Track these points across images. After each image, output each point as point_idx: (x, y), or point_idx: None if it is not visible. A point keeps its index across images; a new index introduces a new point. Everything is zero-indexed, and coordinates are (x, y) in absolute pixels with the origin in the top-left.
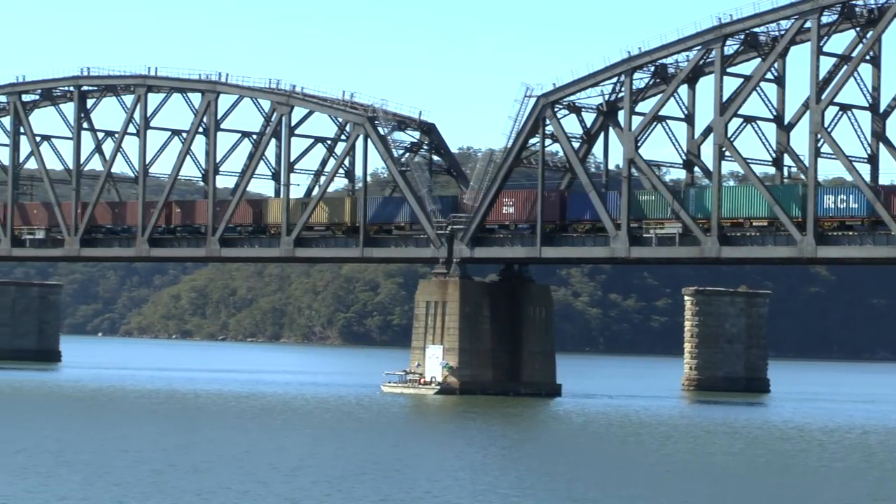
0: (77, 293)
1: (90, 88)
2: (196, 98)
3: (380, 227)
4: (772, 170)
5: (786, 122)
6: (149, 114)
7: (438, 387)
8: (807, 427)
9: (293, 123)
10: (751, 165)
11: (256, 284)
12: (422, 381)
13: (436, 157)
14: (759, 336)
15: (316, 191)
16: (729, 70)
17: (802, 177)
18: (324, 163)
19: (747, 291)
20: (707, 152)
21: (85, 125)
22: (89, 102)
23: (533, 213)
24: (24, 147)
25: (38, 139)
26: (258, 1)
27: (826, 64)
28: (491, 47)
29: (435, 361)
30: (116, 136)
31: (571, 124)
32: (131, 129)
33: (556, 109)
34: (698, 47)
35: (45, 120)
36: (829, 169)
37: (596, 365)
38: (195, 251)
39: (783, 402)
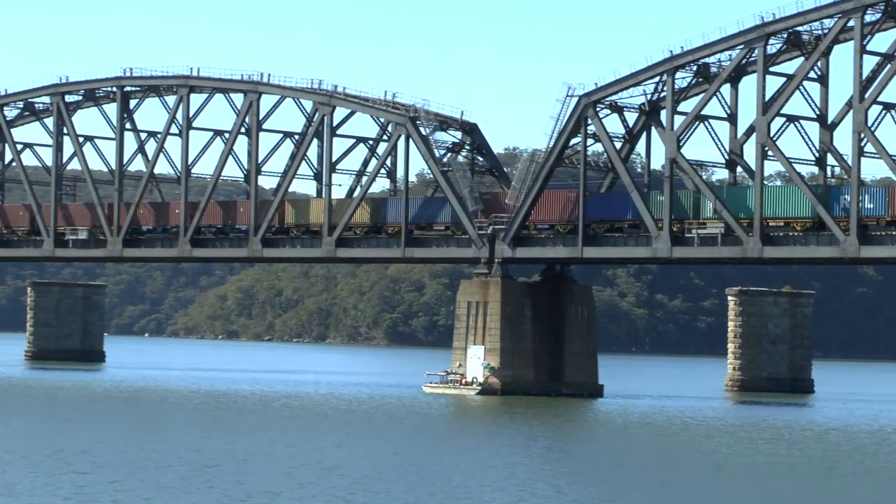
0: (124, 294)
1: (133, 89)
2: (238, 98)
3: (416, 227)
4: (815, 169)
5: (829, 121)
6: (191, 114)
7: (480, 387)
8: (850, 427)
9: (335, 123)
10: (793, 165)
11: (302, 285)
12: (463, 381)
13: (478, 158)
14: (803, 336)
15: (358, 191)
16: (771, 69)
17: (846, 176)
18: (365, 163)
19: (791, 291)
20: (750, 152)
21: (128, 126)
22: (132, 103)
23: (557, 214)
24: (68, 148)
25: (80, 140)
26: (301, 1)
27: (869, 63)
28: (533, 47)
29: (476, 362)
30: (159, 136)
31: (613, 124)
32: (174, 129)
33: (598, 109)
34: (741, 46)
35: (88, 120)
36: (874, 168)
37: (640, 365)
38: (237, 251)
39: (827, 403)
